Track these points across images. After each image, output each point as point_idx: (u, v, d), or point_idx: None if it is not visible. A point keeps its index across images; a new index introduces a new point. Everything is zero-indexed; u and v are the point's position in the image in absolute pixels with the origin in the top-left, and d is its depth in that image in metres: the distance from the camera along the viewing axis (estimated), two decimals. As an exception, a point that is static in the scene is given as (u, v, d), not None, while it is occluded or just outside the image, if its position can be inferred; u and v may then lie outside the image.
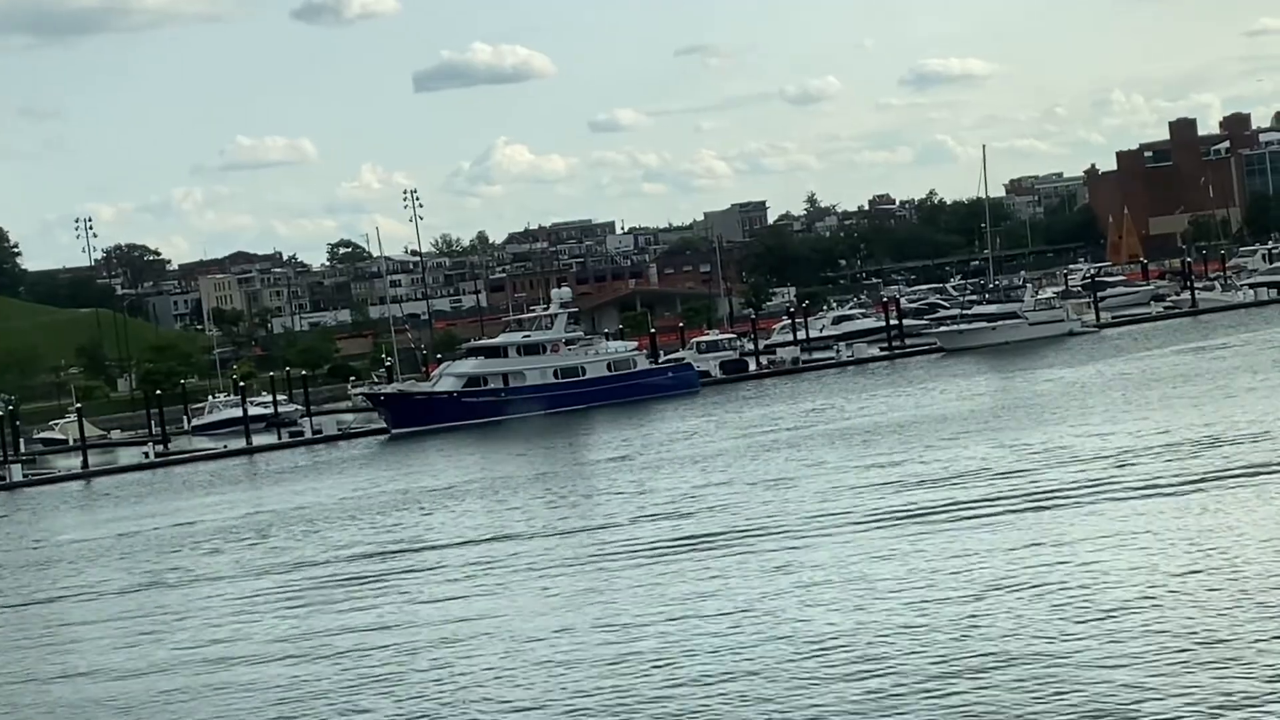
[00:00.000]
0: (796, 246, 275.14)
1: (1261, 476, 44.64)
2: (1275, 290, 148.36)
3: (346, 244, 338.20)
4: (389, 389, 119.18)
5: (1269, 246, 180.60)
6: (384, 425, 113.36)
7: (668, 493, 58.36)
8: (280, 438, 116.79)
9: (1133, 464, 50.22)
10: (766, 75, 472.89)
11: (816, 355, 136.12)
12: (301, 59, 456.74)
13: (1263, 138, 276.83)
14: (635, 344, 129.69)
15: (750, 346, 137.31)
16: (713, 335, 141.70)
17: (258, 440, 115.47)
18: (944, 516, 44.30)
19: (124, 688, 34.88)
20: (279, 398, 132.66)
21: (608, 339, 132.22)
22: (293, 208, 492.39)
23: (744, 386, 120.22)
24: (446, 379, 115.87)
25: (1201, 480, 45.23)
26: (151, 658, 38.14)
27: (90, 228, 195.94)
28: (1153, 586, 32.47)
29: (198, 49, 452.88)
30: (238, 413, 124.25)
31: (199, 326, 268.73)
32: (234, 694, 32.94)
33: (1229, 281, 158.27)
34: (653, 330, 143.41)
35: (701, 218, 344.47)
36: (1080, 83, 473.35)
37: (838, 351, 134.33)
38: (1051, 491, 46.39)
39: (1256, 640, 27.43)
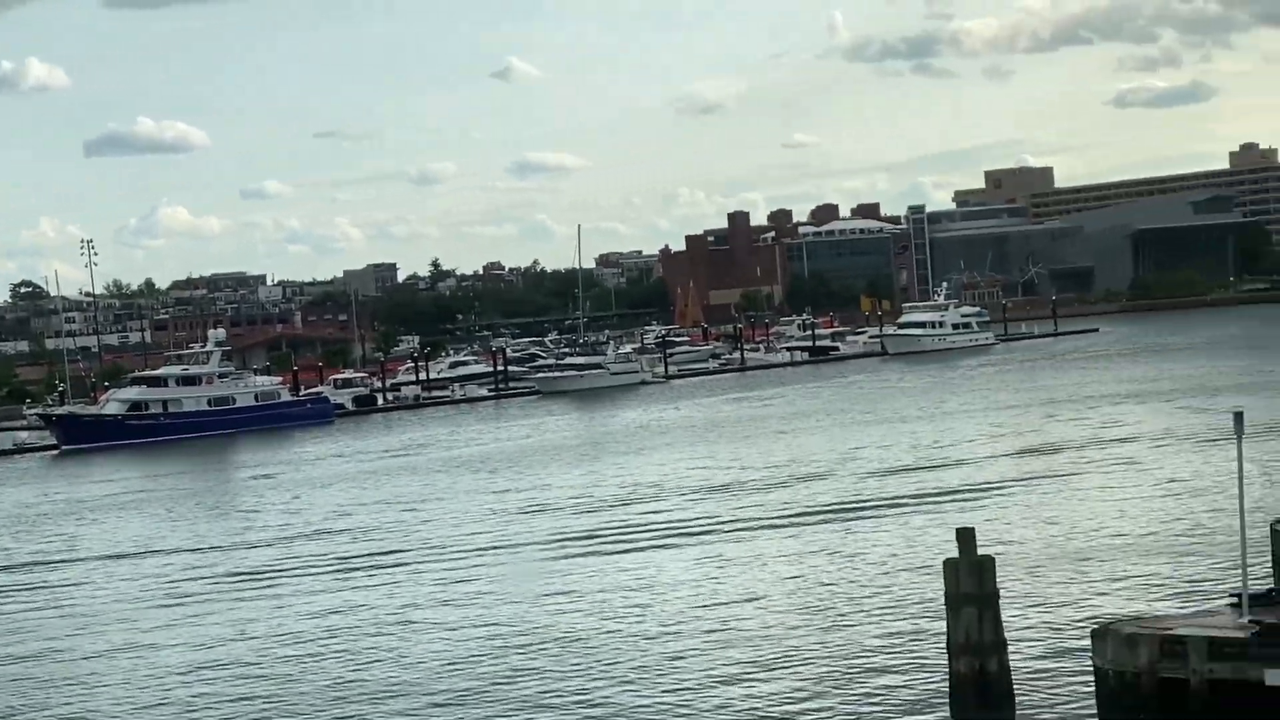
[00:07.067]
0: (421, 302, 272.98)
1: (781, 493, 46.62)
2: (807, 353, 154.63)
3: (28, 284, 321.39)
4: (61, 410, 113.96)
5: (803, 317, 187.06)
6: (55, 442, 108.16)
7: (312, 512, 56.83)
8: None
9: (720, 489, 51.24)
10: (391, 157, 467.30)
11: (435, 393, 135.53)
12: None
13: (801, 230, 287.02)
14: (280, 379, 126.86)
15: (379, 384, 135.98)
16: (347, 374, 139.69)
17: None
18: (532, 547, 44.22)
19: None
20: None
21: (256, 374, 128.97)
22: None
23: (373, 418, 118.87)
24: (113, 404, 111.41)
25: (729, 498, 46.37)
26: None
27: None
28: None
29: None
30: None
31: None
32: None
33: (771, 345, 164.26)
34: (295, 368, 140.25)
35: (342, 275, 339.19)
36: (652, 179, 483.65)
37: (453, 391, 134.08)
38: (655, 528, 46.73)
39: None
